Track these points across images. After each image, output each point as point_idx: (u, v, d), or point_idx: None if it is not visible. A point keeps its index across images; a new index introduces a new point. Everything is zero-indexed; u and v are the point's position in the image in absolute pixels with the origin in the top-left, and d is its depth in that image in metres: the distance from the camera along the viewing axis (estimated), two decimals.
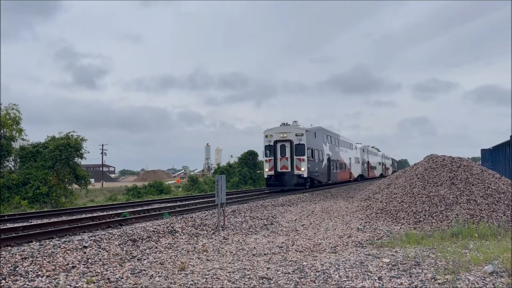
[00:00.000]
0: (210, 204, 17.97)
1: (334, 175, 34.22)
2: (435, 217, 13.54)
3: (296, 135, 26.66)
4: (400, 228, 12.99)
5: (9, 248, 8.38)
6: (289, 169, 26.46)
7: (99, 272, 7.41)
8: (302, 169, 26.26)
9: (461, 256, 8.07)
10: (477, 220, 12.73)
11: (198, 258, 8.73)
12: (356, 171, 44.32)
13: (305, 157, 26.32)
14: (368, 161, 52.82)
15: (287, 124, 27.90)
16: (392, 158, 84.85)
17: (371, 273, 7.05)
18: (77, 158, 28.69)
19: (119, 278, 7.11)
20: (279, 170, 26.67)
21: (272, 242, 10.78)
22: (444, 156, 17.93)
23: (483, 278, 6.47)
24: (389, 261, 7.84)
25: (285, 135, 26.72)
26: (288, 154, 26.61)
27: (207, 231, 12.00)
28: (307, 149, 26.62)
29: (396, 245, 9.79)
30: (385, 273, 6.97)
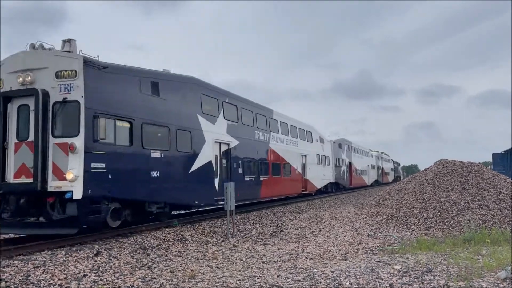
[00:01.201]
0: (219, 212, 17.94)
1: (248, 186, 17.97)
2: (446, 223, 13.39)
3: (58, 76, 10.04)
4: (411, 234, 12.87)
5: (21, 257, 8.46)
6: (32, 178, 9.73)
7: (110, 281, 7.45)
8: (71, 175, 9.57)
9: (474, 262, 7.97)
10: (489, 226, 12.57)
11: (208, 266, 8.73)
12: (318, 177, 27.85)
13: (78, 141, 9.76)
14: (350, 163, 38.14)
15: (38, 47, 10.48)
16: (393, 161, 70.59)
17: (382, 280, 6.99)
18: None
19: (130, 287, 7.14)
20: (10, 180, 10.17)
21: (282, 249, 10.75)
22: (455, 161, 17.78)
23: (496, 285, 6.39)
24: (401, 268, 7.77)
25: (28, 78, 10.13)
26: (32, 133, 9.98)
27: (216, 238, 12.00)
28: (95, 116, 10.06)
29: (407, 252, 9.71)
30: (396, 280, 6.91)
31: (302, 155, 24.77)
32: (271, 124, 20.89)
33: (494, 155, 30.19)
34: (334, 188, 33.43)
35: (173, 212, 14.61)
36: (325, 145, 30.30)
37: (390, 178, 63.84)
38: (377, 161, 53.78)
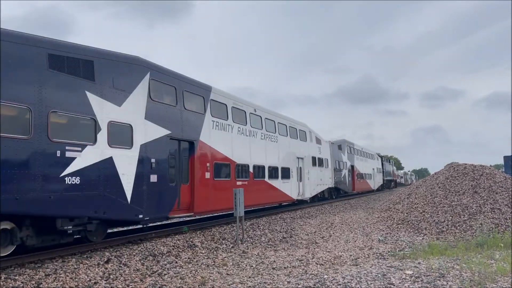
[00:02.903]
0: (228, 218, 17.94)
1: None
2: (458, 227, 13.23)
3: None
4: (423, 238, 12.72)
5: (33, 264, 8.53)
6: None
7: None
8: None
9: (487, 267, 7.85)
10: (502, 229, 12.39)
11: (218, 273, 8.71)
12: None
13: None
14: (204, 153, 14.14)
15: None
16: (380, 157, 48.50)
17: (394, 285, 6.91)
18: None
19: None
20: None
21: (292, 255, 10.69)
22: (466, 164, 17.60)
23: None
24: (412, 273, 7.67)
25: None
26: None
27: (226, 245, 11.98)
28: None
29: (419, 257, 9.59)
30: (408, 286, 6.82)
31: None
32: None
33: (505, 157, 29.82)
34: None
35: (184, 219, 14.16)
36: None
37: (374, 183, 40.81)
38: (338, 154, 30.48)
